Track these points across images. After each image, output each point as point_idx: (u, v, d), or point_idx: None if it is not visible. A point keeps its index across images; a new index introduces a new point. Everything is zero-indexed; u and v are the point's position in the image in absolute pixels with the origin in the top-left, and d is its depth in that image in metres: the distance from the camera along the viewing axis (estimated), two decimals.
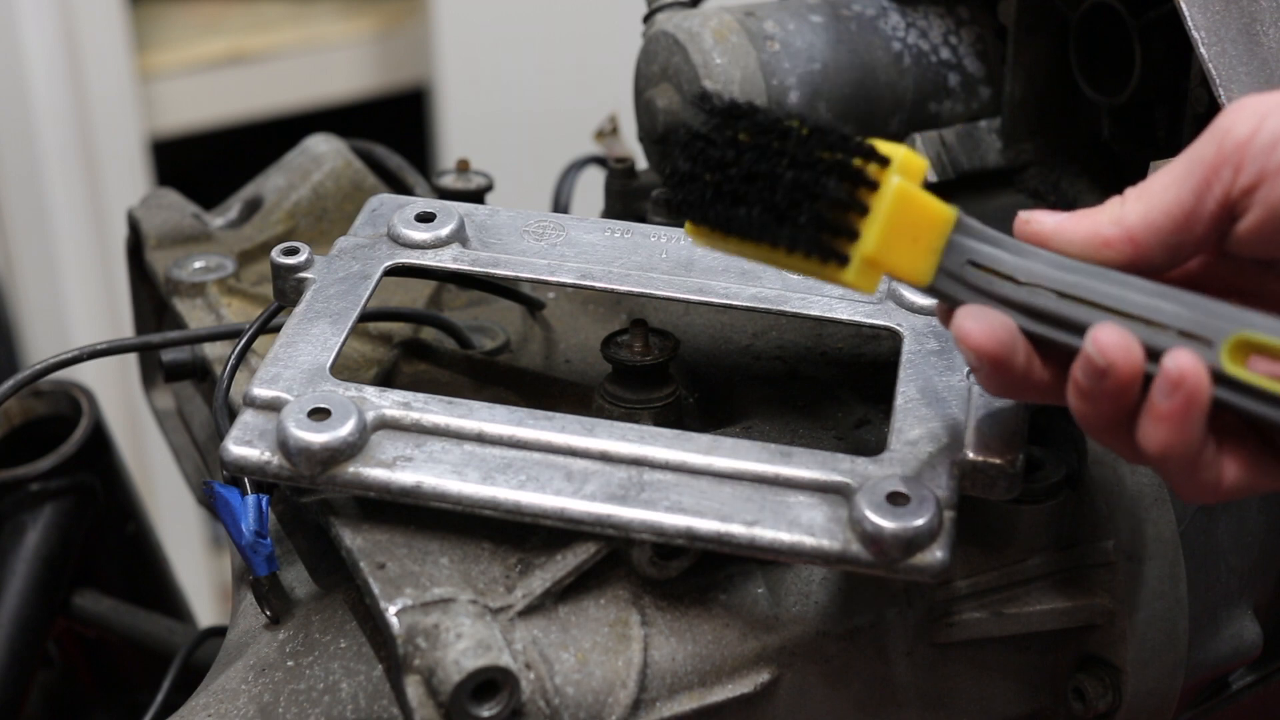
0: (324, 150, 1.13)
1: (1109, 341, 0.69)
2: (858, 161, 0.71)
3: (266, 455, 0.77)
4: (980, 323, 0.72)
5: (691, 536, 0.75)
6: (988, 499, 0.78)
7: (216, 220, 1.11)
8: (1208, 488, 0.71)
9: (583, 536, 0.79)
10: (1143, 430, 0.69)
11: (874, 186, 0.71)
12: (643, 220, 1.05)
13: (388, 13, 2.39)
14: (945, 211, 0.73)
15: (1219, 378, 0.69)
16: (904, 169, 0.71)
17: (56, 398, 1.15)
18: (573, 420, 0.79)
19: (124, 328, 1.23)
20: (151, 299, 1.12)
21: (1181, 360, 0.68)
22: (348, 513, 0.80)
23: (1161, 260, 0.72)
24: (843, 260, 0.71)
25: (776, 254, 0.73)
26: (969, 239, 0.73)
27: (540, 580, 0.78)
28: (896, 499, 0.74)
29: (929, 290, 0.74)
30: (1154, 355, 0.69)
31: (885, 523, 0.73)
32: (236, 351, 0.88)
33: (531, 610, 0.78)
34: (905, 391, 0.81)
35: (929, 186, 0.76)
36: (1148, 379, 0.69)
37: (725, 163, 0.73)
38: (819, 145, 0.71)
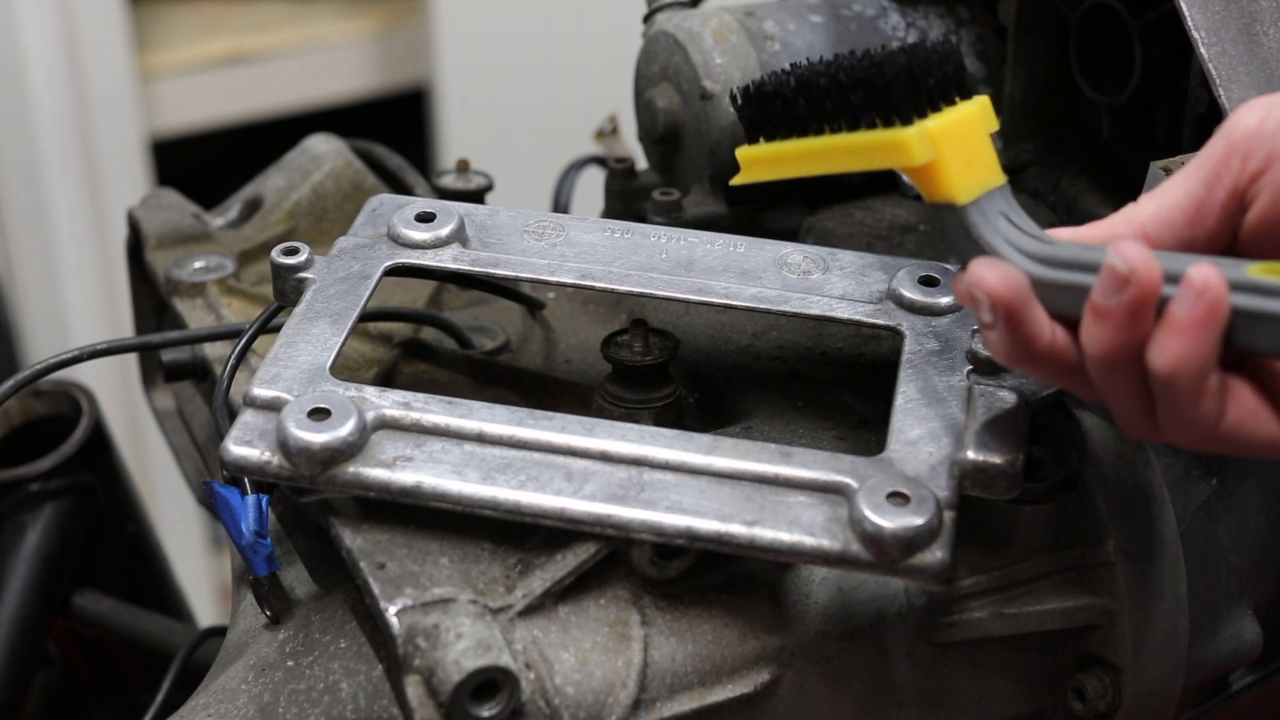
0: (324, 150, 1.12)
1: (1132, 251, 0.69)
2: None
3: (266, 455, 0.77)
4: (995, 270, 0.72)
5: (691, 536, 0.75)
6: (988, 499, 0.78)
7: (216, 220, 1.11)
8: (1207, 421, 0.70)
9: (583, 536, 0.79)
10: (1156, 347, 0.69)
11: (953, 102, 0.77)
12: (643, 220, 1.05)
13: (388, 13, 2.39)
14: (999, 169, 0.77)
15: (1245, 286, 0.69)
16: (983, 107, 0.78)
17: (56, 398, 1.15)
18: (573, 420, 0.79)
19: (124, 328, 1.23)
20: (151, 299, 1.12)
21: (1206, 271, 0.68)
22: (348, 513, 0.80)
23: None
24: (906, 123, 0.76)
25: (836, 140, 0.78)
26: (1007, 202, 0.77)
27: (540, 580, 0.78)
28: (896, 499, 0.74)
29: (961, 214, 0.76)
30: (1175, 281, 0.69)
31: (885, 523, 0.73)
32: (236, 351, 0.88)
33: (531, 610, 0.78)
34: (905, 391, 0.81)
35: None
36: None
37: (815, 73, 0.79)
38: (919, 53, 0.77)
